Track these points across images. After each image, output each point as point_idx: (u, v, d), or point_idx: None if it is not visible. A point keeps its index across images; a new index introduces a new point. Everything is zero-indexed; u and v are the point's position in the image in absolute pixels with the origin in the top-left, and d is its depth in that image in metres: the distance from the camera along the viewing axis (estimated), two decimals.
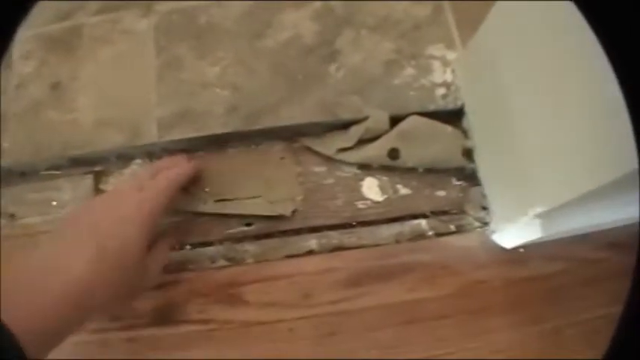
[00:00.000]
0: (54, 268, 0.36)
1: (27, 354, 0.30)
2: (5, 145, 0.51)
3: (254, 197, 0.49)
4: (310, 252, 0.49)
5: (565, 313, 0.50)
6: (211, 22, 0.53)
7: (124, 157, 0.51)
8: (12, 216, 0.52)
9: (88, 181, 0.51)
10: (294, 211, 0.49)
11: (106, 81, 0.52)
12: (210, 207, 0.48)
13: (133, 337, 0.47)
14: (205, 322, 0.47)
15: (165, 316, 0.48)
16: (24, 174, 0.53)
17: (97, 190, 0.51)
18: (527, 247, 0.50)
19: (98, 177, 0.52)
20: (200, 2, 0.54)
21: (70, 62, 0.54)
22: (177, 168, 0.45)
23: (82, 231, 0.39)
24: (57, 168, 0.52)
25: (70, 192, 0.51)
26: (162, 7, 0.55)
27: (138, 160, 0.51)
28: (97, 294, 0.36)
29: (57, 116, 0.52)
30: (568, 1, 0.29)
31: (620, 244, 0.52)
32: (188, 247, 0.49)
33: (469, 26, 0.51)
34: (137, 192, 0.41)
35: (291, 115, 0.49)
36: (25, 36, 0.55)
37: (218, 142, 0.50)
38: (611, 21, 0.25)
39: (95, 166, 0.52)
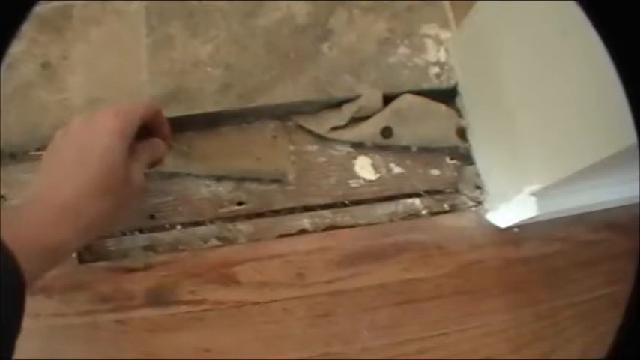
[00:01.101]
0: (42, 193, 0.38)
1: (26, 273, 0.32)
2: None
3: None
4: (303, 231, 0.48)
5: (561, 294, 0.49)
6: (203, 1, 0.52)
7: None
8: (2, 197, 0.51)
9: None
10: (286, 187, 0.48)
11: (96, 61, 0.52)
12: (198, 168, 0.48)
13: (124, 318, 0.47)
14: (197, 302, 0.47)
15: (156, 297, 0.47)
16: (14, 155, 0.52)
17: None
18: (522, 228, 0.50)
19: None
20: None
21: (61, 42, 0.53)
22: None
23: (63, 156, 0.40)
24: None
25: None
26: None
27: None
28: (84, 209, 0.38)
29: (47, 96, 0.51)
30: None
31: (617, 226, 0.52)
32: (179, 227, 0.49)
33: (463, 6, 0.51)
34: (113, 109, 0.41)
35: (284, 94, 0.49)
36: None
37: (210, 121, 0.50)
38: (613, 20, 0.25)
39: None
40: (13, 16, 0.28)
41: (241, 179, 0.49)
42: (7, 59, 0.53)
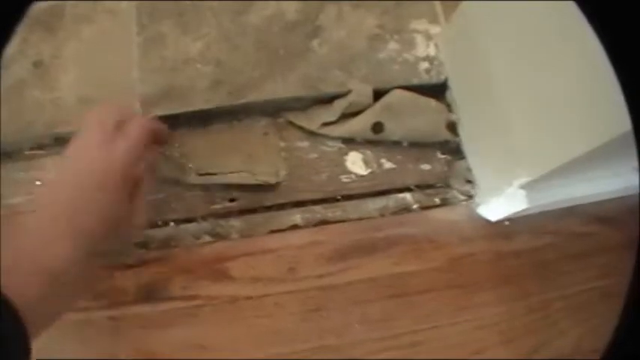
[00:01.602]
0: (39, 250, 0.36)
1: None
2: None
3: (238, 172, 0.49)
4: (295, 226, 0.48)
5: (552, 287, 0.49)
6: None
7: None
8: None
9: None
10: (277, 183, 0.48)
11: (88, 59, 0.52)
12: (193, 179, 0.48)
13: (117, 315, 0.47)
14: (190, 298, 0.47)
15: (149, 294, 0.47)
16: (8, 154, 0.52)
17: None
18: (513, 221, 0.50)
19: None
20: None
21: (53, 41, 0.53)
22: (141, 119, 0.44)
23: (58, 212, 0.37)
24: (41, 147, 0.52)
25: (54, 171, 0.50)
26: None
27: None
28: (75, 271, 0.36)
29: (40, 95, 0.51)
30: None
31: (607, 219, 0.52)
32: (172, 223, 0.49)
33: (452, 1, 0.51)
34: (108, 147, 0.39)
35: (275, 90, 0.49)
36: None
37: (202, 118, 0.50)
38: (612, 21, 0.25)
39: None
40: (10, 16, 0.28)
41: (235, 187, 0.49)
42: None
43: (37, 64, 0.53)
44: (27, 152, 0.52)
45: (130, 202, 0.40)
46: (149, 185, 0.43)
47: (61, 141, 0.51)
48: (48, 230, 0.36)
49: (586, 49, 0.31)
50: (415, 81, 0.50)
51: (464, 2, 0.47)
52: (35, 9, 0.55)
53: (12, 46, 0.54)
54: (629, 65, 0.25)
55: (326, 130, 0.49)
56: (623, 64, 0.25)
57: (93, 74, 0.51)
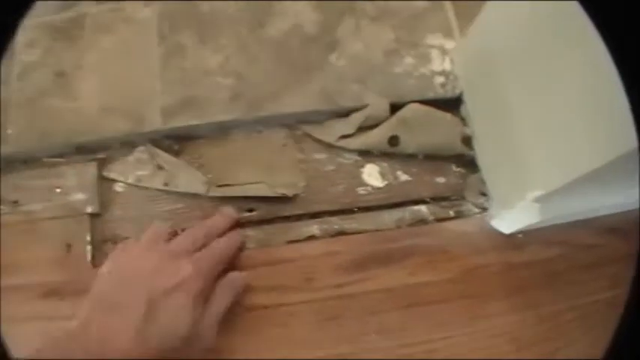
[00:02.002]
0: (99, 339, 0.35)
1: None
2: (9, 132, 0.52)
3: (257, 183, 0.49)
4: (312, 237, 0.49)
5: (563, 297, 0.50)
6: (213, 10, 0.54)
7: (127, 145, 0.52)
8: (15, 203, 0.52)
9: (92, 168, 0.51)
10: (295, 195, 0.49)
11: (109, 69, 0.53)
12: (213, 191, 0.49)
13: None
14: None
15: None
16: (27, 161, 0.53)
17: (101, 178, 0.51)
18: (525, 233, 0.51)
19: (102, 164, 0.52)
20: None
21: (74, 51, 0.54)
22: (232, 237, 0.47)
23: (129, 294, 0.38)
24: (60, 155, 0.53)
25: (73, 179, 0.51)
26: None
27: (141, 148, 0.51)
28: None
29: (61, 104, 0.52)
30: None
31: (617, 230, 0.53)
32: None
33: (467, 16, 0.52)
34: (191, 257, 0.41)
35: (293, 103, 0.50)
36: (28, 25, 0.56)
37: (221, 129, 0.51)
38: (614, 21, 0.26)
39: (99, 153, 0.52)
40: (12, 15, 0.29)
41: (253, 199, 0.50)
42: (21, 67, 0.55)
43: (59, 74, 0.53)
44: (46, 160, 0.53)
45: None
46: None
47: (80, 149, 0.52)
48: (112, 315, 0.37)
49: (600, 64, 0.31)
50: (431, 95, 0.51)
51: (478, 17, 0.48)
52: (56, 19, 0.56)
53: (34, 57, 0.55)
54: (630, 64, 0.25)
55: (343, 143, 0.50)
56: (624, 64, 0.26)
57: (114, 84, 0.52)
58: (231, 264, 0.46)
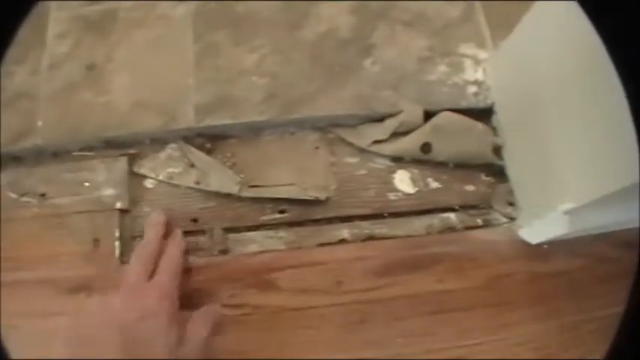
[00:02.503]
0: None
1: None
2: (39, 124, 0.51)
3: (288, 184, 0.50)
4: (342, 241, 0.50)
5: (584, 308, 0.51)
6: (249, 10, 0.54)
7: (158, 141, 0.52)
8: (42, 195, 0.52)
9: (122, 163, 0.51)
10: (327, 198, 0.49)
11: (142, 65, 0.53)
12: (245, 191, 0.49)
13: None
14: (237, 306, 0.48)
15: (196, 301, 0.48)
16: (56, 154, 0.53)
17: (131, 173, 0.51)
18: (550, 244, 0.51)
19: (132, 159, 0.52)
20: None
21: (106, 44, 0.54)
22: (172, 244, 0.47)
23: (102, 331, 0.38)
24: (90, 149, 0.52)
25: (103, 173, 0.51)
26: None
27: (173, 145, 0.51)
28: None
29: (92, 97, 0.52)
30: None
31: (633, 244, 0.54)
32: (221, 232, 0.50)
33: (500, 26, 0.53)
34: (149, 282, 0.42)
35: (328, 106, 0.50)
36: (59, 16, 0.55)
37: (254, 129, 0.51)
38: (613, 21, 0.26)
39: (129, 148, 0.52)
40: (14, 15, 0.29)
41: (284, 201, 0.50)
42: (51, 59, 0.54)
43: (90, 67, 0.53)
44: (75, 153, 0.53)
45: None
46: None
47: (110, 144, 0.52)
48: None
49: None
50: (463, 104, 0.51)
51: (516, 30, 0.48)
52: (88, 11, 0.56)
53: (64, 48, 0.54)
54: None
55: (376, 148, 0.50)
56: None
57: (146, 79, 0.52)
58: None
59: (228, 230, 0.50)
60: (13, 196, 0.52)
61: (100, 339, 0.38)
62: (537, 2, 0.44)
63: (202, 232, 0.50)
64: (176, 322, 0.40)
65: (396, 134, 0.50)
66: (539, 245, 0.51)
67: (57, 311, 0.48)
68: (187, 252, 0.48)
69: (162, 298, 0.40)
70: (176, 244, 0.47)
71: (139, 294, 0.41)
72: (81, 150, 0.53)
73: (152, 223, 0.48)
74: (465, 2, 0.55)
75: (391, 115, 0.50)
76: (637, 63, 0.25)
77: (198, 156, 0.50)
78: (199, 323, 0.42)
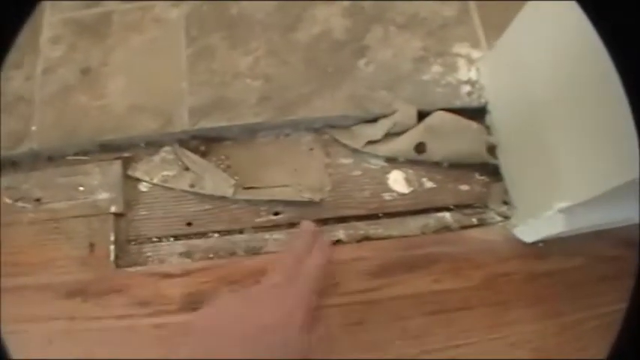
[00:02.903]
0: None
1: None
2: (33, 128, 0.52)
3: (283, 186, 0.50)
4: (338, 241, 0.49)
5: (583, 307, 0.51)
6: (243, 13, 0.54)
7: (153, 144, 0.52)
8: (38, 200, 0.52)
9: (117, 167, 0.51)
10: (322, 200, 0.49)
11: (136, 68, 0.53)
12: (239, 194, 0.49)
13: (161, 323, 0.48)
14: None
15: (194, 303, 0.48)
16: (52, 158, 0.53)
17: (126, 177, 0.51)
18: (546, 243, 0.51)
19: (127, 163, 0.52)
20: None
21: (100, 48, 0.54)
22: (320, 252, 0.44)
23: (238, 328, 0.37)
24: (85, 153, 0.52)
25: (98, 177, 0.51)
26: None
27: (167, 148, 0.51)
28: None
29: (87, 101, 0.52)
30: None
31: (634, 242, 0.53)
32: (217, 234, 0.50)
33: (494, 26, 0.53)
34: (286, 287, 0.40)
35: (323, 108, 0.50)
36: (53, 20, 0.55)
37: (248, 131, 0.51)
38: (613, 20, 0.26)
39: (124, 151, 0.52)
40: (16, 16, 0.29)
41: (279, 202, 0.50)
42: (46, 63, 0.54)
43: (84, 71, 0.53)
44: (70, 157, 0.53)
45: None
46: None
47: (105, 148, 0.52)
48: None
49: None
50: (457, 103, 0.51)
51: (509, 29, 0.48)
52: (82, 15, 0.56)
53: (59, 52, 0.54)
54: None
55: (370, 149, 0.50)
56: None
57: (141, 83, 0.52)
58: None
59: (223, 232, 0.50)
60: (9, 201, 0.52)
61: (237, 330, 0.36)
62: (529, 2, 0.44)
63: (198, 234, 0.50)
64: (308, 327, 0.38)
65: (390, 135, 0.50)
66: (535, 244, 0.51)
67: (55, 316, 0.48)
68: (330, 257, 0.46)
69: (300, 306, 0.38)
70: (322, 250, 0.45)
71: (278, 298, 0.39)
72: (76, 154, 0.53)
73: (300, 235, 0.45)
74: (460, 3, 0.55)
75: (385, 116, 0.50)
76: (637, 63, 0.25)
77: (192, 159, 0.50)
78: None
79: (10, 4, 0.28)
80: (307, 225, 0.46)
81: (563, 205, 0.43)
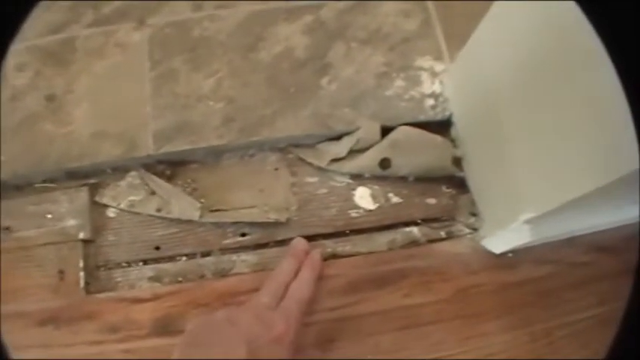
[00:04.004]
0: None
1: None
2: (3, 158, 0.51)
3: (250, 207, 0.50)
4: None
5: (555, 315, 0.51)
6: (205, 35, 0.54)
7: (119, 170, 0.52)
8: (7, 229, 0.52)
9: (84, 193, 0.51)
10: (288, 220, 0.49)
11: (101, 94, 0.53)
12: (206, 216, 0.49)
13: (131, 348, 0.47)
14: None
15: (164, 327, 0.48)
16: (19, 187, 0.53)
17: (93, 203, 0.51)
18: (516, 252, 0.51)
19: (94, 189, 0.52)
20: (193, 15, 0.55)
21: (65, 75, 0.54)
22: (309, 269, 0.45)
23: (227, 340, 0.38)
24: (53, 181, 0.52)
25: (65, 205, 0.51)
26: (155, 20, 0.55)
27: (133, 173, 0.51)
28: None
29: (53, 129, 0.52)
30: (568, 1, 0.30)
31: (606, 248, 0.53)
32: (184, 258, 0.50)
33: (457, 38, 0.53)
34: (279, 311, 0.41)
35: (286, 127, 0.50)
36: (17, 48, 0.56)
37: (213, 154, 0.51)
38: (613, 20, 0.26)
39: (91, 178, 0.52)
40: (15, 16, 0.29)
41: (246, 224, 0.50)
42: (11, 91, 0.54)
43: (49, 98, 0.53)
44: (38, 185, 0.53)
45: None
46: None
47: (72, 175, 0.52)
48: None
49: (593, 88, 0.32)
50: (421, 117, 0.52)
51: (470, 40, 0.48)
52: (47, 42, 0.56)
53: (24, 80, 0.55)
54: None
55: (335, 166, 0.50)
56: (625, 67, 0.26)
57: (106, 109, 0.52)
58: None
59: (191, 256, 0.50)
60: None
61: (224, 342, 0.37)
62: (488, 14, 0.44)
63: (166, 258, 0.50)
64: (294, 347, 0.40)
65: (354, 151, 0.50)
66: (504, 254, 0.51)
67: (29, 344, 0.48)
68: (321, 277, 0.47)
69: (289, 329, 0.40)
70: (312, 267, 0.46)
71: (265, 321, 0.40)
72: (44, 181, 0.53)
73: (292, 252, 0.47)
74: (422, 16, 0.55)
75: (349, 133, 0.51)
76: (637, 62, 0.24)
77: (158, 183, 0.50)
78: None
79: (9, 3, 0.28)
80: (298, 242, 0.47)
81: (528, 215, 0.43)
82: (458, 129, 0.52)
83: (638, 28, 0.24)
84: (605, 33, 0.27)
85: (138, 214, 0.51)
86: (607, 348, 0.28)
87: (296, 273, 0.45)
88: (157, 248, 0.50)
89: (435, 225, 0.51)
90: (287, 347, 0.39)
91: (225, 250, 0.50)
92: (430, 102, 0.52)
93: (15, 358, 0.36)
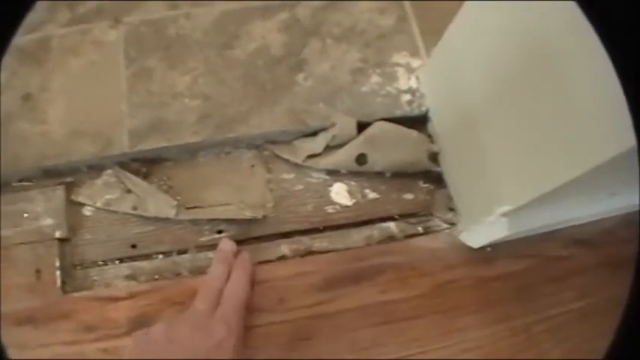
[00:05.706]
0: None
1: None
2: None
3: (226, 204, 0.50)
4: (283, 257, 0.49)
5: (533, 309, 0.51)
6: (180, 33, 0.54)
7: (95, 168, 0.52)
8: None
9: (60, 192, 0.51)
10: (264, 216, 0.49)
11: (76, 92, 0.53)
12: (182, 214, 0.49)
13: (109, 347, 0.47)
14: None
15: (140, 325, 0.47)
16: None
17: (69, 202, 0.51)
18: (494, 246, 0.51)
19: (70, 188, 0.52)
20: (168, 14, 0.55)
21: (41, 73, 0.54)
22: (240, 271, 0.45)
23: (170, 354, 0.38)
24: (29, 179, 0.52)
25: (42, 204, 0.51)
26: (130, 18, 0.55)
27: (109, 171, 0.51)
28: None
29: (29, 128, 0.52)
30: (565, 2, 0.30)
31: (584, 242, 0.54)
32: (160, 256, 0.50)
33: (433, 34, 0.53)
34: (217, 316, 0.41)
35: (262, 124, 0.50)
36: None
37: (189, 151, 0.51)
38: (613, 20, 0.26)
39: (67, 177, 0.52)
40: (14, 13, 0.29)
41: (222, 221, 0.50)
42: None
43: (25, 97, 0.53)
44: (15, 184, 0.53)
45: None
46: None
47: (48, 173, 0.52)
48: None
49: (566, 80, 0.32)
50: (397, 113, 0.52)
51: (445, 36, 0.48)
52: (22, 41, 0.55)
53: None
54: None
55: (311, 163, 0.50)
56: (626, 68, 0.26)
57: (81, 107, 0.52)
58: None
59: (167, 254, 0.50)
60: None
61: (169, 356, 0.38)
62: (461, 10, 0.44)
63: (143, 256, 0.50)
64: (239, 352, 0.40)
65: (330, 147, 0.50)
66: (482, 249, 0.51)
67: (7, 344, 0.47)
68: (254, 275, 0.47)
69: (231, 333, 0.40)
70: (242, 268, 0.46)
71: (204, 329, 0.40)
72: (20, 180, 0.52)
73: (220, 255, 0.47)
74: (398, 12, 0.55)
75: (325, 129, 0.51)
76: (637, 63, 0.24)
77: (134, 181, 0.50)
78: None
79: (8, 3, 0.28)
80: (225, 244, 0.47)
81: (504, 209, 0.44)
82: (434, 124, 0.52)
83: (638, 28, 0.24)
84: (605, 33, 0.27)
85: (114, 212, 0.50)
86: (606, 348, 0.27)
87: (228, 276, 0.45)
88: (134, 246, 0.50)
89: (412, 220, 0.51)
90: (231, 352, 0.40)
91: (201, 248, 0.50)
92: (406, 97, 0.52)
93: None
